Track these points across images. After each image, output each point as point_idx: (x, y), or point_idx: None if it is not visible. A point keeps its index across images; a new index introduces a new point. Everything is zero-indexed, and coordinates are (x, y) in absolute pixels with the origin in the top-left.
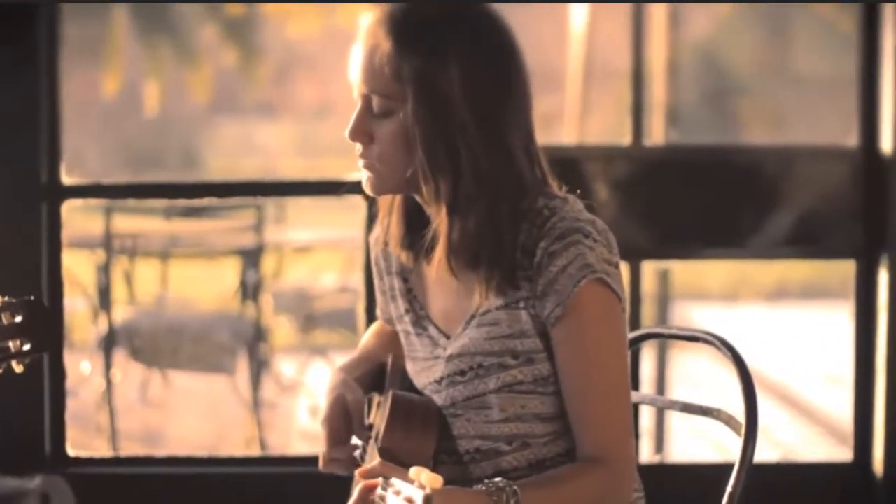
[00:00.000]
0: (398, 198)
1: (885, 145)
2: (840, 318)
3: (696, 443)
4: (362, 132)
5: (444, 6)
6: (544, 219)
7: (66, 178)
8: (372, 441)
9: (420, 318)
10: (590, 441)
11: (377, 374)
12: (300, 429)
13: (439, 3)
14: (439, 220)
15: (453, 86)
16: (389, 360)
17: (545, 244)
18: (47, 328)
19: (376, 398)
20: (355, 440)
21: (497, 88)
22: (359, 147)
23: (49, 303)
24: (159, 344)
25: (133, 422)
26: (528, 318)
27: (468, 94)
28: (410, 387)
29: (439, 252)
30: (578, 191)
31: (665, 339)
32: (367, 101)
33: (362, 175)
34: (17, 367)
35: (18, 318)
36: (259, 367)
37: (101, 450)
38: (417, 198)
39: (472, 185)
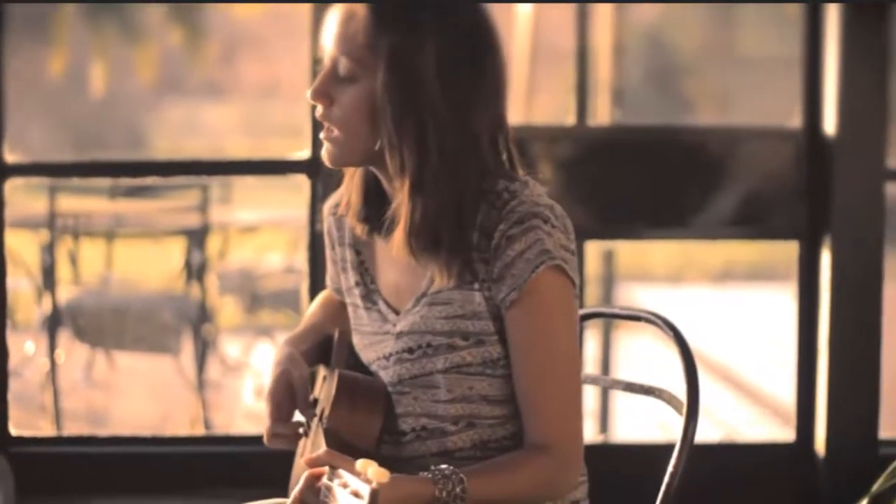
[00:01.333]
0: (359, 169)
1: (828, 127)
2: (784, 300)
3: (642, 423)
4: (325, 93)
5: None
6: (503, 202)
7: (9, 157)
8: (316, 419)
9: (370, 291)
10: (538, 427)
11: (323, 347)
12: (245, 409)
13: None
14: (401, 197)
15: (427, 63)
16: (336, 334)
17: (503, 227)
18: None
19: (322, 372)
20: (298, 416)
21: (470, 71)
22: (319, 110)
23: None
24: (104, 324)
25: (77, 402)
26: (482, 300)
27: (441, 73)
28: (357, 361)
29: (399, 232)
30: (540, 175)
31: (608, 318)
32: (334, 63)
33: (323, 148)
34: None
35: None
36: (204, 347)
37: (46, 430)
38: (379, 174)
39: (437, 164)
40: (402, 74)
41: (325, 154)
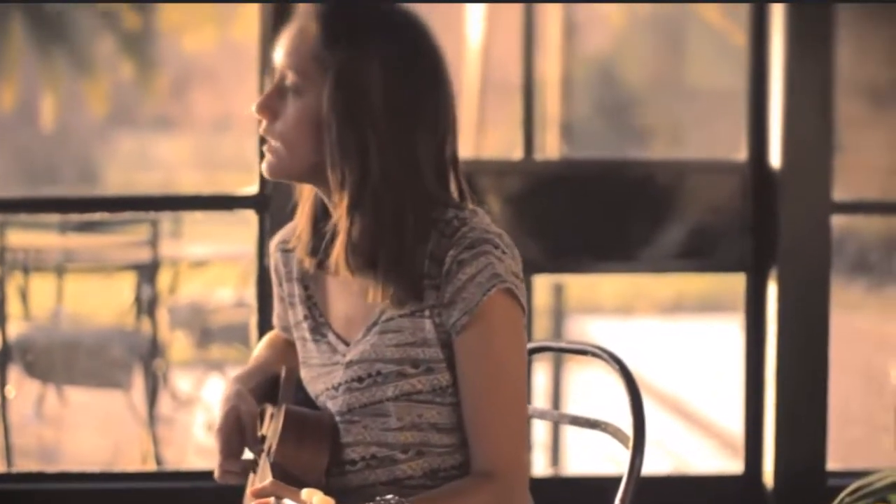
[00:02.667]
0: (308, 202)
1: (774, 159)
2: (734, 331)
3: (593, 455)
4: (269, 108)
5: (379, 3)
6: (454, 229)
7: None
8: (264, 454)
9: (319, 324)
10: (484, 453)
11: (271, 385)
12: (196, 444)
13: (374, 3)
14: (340, 212)
15: (374, 81)
16: (283, 371)
17: (454, 253)
18: None
19: (269, 409)
20: (248, 453)
21: (415, 95)
22: (263, 124)
23: None
24: (54, 359)
25: (28, 437)
26: (432, 327)
27: (386, 94)
28: (304, 398)
29: (338, 247)
30: (486, 207)
31: (555, 352)
32: (281, 77)
33: (263, 160)
34: None
35: None
36: (155, 382)
37: None
38: (321, 193)
39: (377, 182)
40: (347, 90)
41: (264, 166)
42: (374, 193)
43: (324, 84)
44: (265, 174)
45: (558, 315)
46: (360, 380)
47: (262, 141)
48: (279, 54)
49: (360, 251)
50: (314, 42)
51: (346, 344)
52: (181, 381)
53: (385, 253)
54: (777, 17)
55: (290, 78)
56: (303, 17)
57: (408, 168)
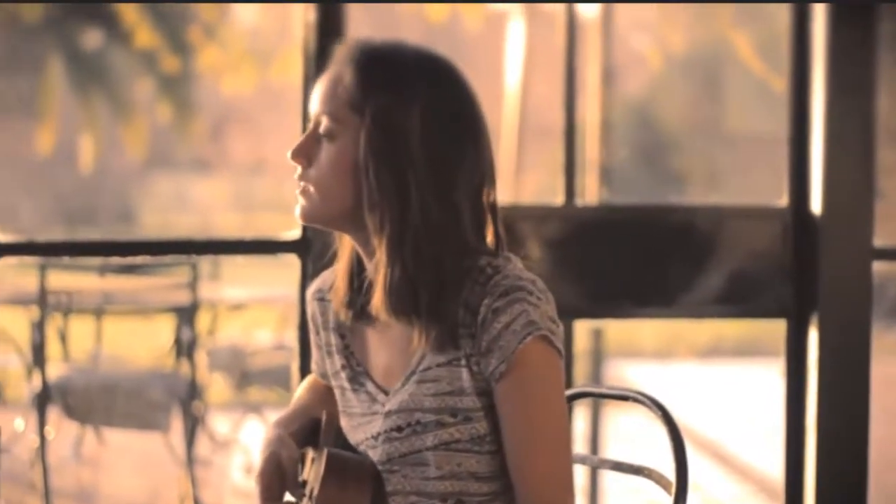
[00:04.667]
0: (346, 255)
1: (815, 205)
2: (772, 376)
3: (631, 501)
4: (304, 154)
5: (414, 50)
6: (487, 276)
7: (1, 236)
8: (305, 499)
9: (357, 374)
10: (530, 498)
11: (311, 430)
12: (234, 486)
13: (409, 46)
14: (379, 256)
15: (412, 125)
16: (324, 416)
17: (489, 301)
18: None
19: (310, 453)
20: (289, 497)
21: (453, 142)
22: (298, 171)
23: None
24: (93, 401)
25: (66, 479)
26: (469, 377)
27: (424, 138)
28: (345, 443)
29: (377, 290)
30: (523, 253)
31: (597, 398)
32: (316, 124)
33: (297, 205)
34: None
35: None
36: (193, 424)
37: None
38: (354, 241)
39: (417, 225)
40: (386, 132)
41: (298, 211)
42: (413, 236)
43: (359, 129)
44: (299, 219)
45: (597, 359)
46: (399, 429)
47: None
48: (314, 101)
49: (400, 294)
50: (350, 88)
51: (385, 393)
52: (219, 423)
53: (425, 296)
54: (818, 62)
55: (325, 124)
56: (338, 64)
57: (447, 212)
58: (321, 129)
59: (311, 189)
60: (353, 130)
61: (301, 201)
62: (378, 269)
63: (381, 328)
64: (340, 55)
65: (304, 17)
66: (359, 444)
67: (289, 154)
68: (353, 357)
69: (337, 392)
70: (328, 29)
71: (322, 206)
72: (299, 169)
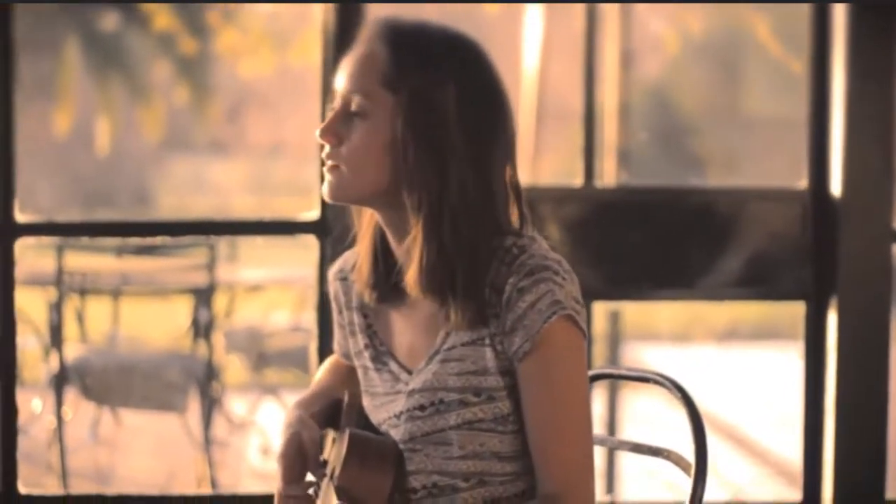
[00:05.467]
0: (368, 236)
1: (835, 188)
2: (790, 359)
3: (648, 483)
4: (334, 132)
5: (443, 29)
6: (513, 256)
7: (19, 216)
8: (327, 478)
9: (380, 353)
10: (551, 477)
11: (333, 410)
12: (251, 468)
13: (437, 25)
14: (415, 234)
15: (449, 105)
16: (345, 397)
17: (514, 280)
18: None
19: (331, 434)
20: (310, 477)
21: (488, 120)
22: (326, 149)
23: (1, 340)
24: (110, 382)
25: (84, 460)
26: (493, 356)
27: (461, 116)
28: (366, 423)
29: (413, 270)
30: (545, 234)
31: (616, 379)
32: (346, 102)
33: (325, 182)
34: None
35: None
36: (210, 405)
37: (52, 488)
38: (383, 223)
39: (455, 204)
40: (425, 110)
41: (326, 188)
42: (451, 215)
43: (395, 107)
44: (327, 197)
45: (614, 341)
46: (422, 408)
47: (324, 164)
48: (342, 79)
49: (436, 273)
50: (383, 66)
51: (409, 373)
52: (236, 404)
53: (461, 274)
54: (839, 46)
55: (356, 102)
56: (367, 42)
57: (483, 190)
58: (353, 107)
59: (343, 167)
60: (387, 108)
61: (330, 179)
62: (413, 247)
63: (404, 308)
64: (369, 33)
65: (324, 4)
66: (381, 423)
67: (317, 132)
68: (377, 336)
69: (359, 372)
70: (348, 12)
71: (355, 183)
72: (327, 147)
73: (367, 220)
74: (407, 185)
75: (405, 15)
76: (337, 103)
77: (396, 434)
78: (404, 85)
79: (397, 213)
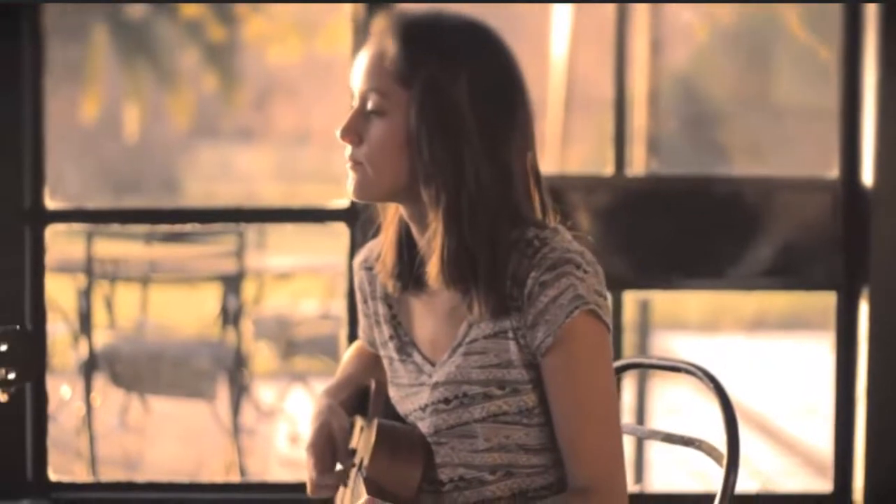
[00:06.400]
0: (392, 226)
1: (866, 178)
2: (818, 349)
3: (676, 472)
4: (354, 132)
5: (455, 18)
6: (535, 249)
7: (49, 203)
8: (355, 468)
9: (404, 344)
10: (581, 471)
11: (360, 398)
12: (279, 455)
13: (448, 14)
14: (435, 226)
15: (462, 93)
16: (373, 385)
17: (536, 274)
18: (33, 357)
19: (359, 422)
20: (339, 466)
21: (502, 106)
22: (348, 149)
23: (32, 328)
24: (139, 369)
25: (112, 447)
26: (516, 349)
27: (475, 105)
28: (394, 412)
29: (434, 261)
30: (570, 223)
31: (647, 369)
32: (363, 101)
33: (349, 180)
34: (2, 396)
35: (3, 347)
36: (239, 393)
37: (81, 475)
38: (406, 213)
39: (473, 195)
40: (437, 103)
41: (351, 187)
42: (469, 205)
43: (409, 102)
44: (353, 196)
45: (643, 330)
46: (446, 401)
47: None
48: (357, 77)
49: (458, 264)
50: (395, 62)
51: (432, 364)
52: (265, 392)
53: (482, 264)
54: (870, 33)
55: (373, 100)
56: (378, 37)
57: (500, 179)
58: (370, 106)
59: (364, 165)
60: (402, 104)
61: (353, 177)
62: (434, 240)
63: (427, 298)
64: (379, 28)
65: None
66: (407, 414)
67: (337, 133)
68: (401, 327)
69: (385, 362)
70: (379, 2)
71: (377, 181)
72: (349, 147)
73: (391, 210)
74: (424, 180)
75: (417, 6)
76: (355, 102)
77: (422, 427)
78: (416, 79)
79: (418, 207)
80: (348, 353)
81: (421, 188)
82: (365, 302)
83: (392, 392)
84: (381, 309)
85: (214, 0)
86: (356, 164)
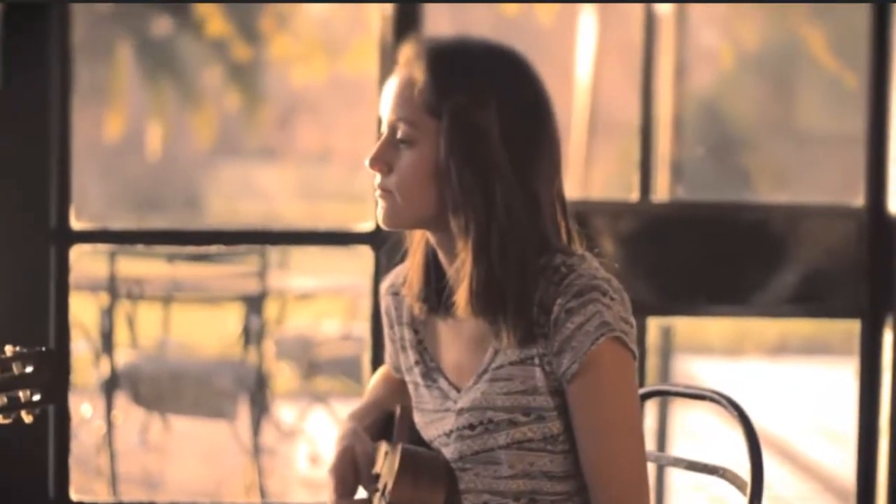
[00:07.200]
0: (419, 250)
1: (892, 206)
2: (840, 375)
3: (697, 497)
4: (383, 161)
5: (482, 45)
6: (561, 276)
7: (75, 224)
8: (378, 494)
9: (430, 370)
10: (605, 498)
11: (385, 423)
12: (300, 476)
13: (476, 42)
14: (464, 257)
15: (491, 122)
16: (398, 410)
17: (562, 301)
18: (57, 379)
19: (383, 447)
20: (362, 491)
21: (531, 134)
22: (377, 177)
23: (56, 347)
24: (161, 388)
25: (133, 465)
26: (542, 376)
27: (504, 133)
28: (418, 437)
29: (463, 291)
30: (596, 249)
31: (671, 396)
32: (392, 130)
33: (378, 208)
34: (27, 418)
35: (29, 369)
36: (260, 413)
37: (101, 494)
38: (434, 240)
39: (503, 222)
40: (466, 133)
41: (381, 216)
42: (499, 236)
43: (438, 131)
44: (382, 224)
45: (666, 355)
46: (471, 427)
47: (376, 191)
48: (386, 106)
49: (486, 294)
50: (423, 91)
51: (458, 390)
52: (286, 412)
53: (511, 294)
54: None
55: (402, 130)
56: (406, 66)
57: (529, 208)
58: (399, 136)
59: (394, 194)
60: (432, 134)
61: (383, 206)
62: (462, 269)
63: (454, 324)
64: (407, 57)
65: (381, 11)
66: (432, 440)
67: (366, 162)
68: (427, 352)
69: (410, 388)
70: (405, 23)
71: (406, 210)
72: (378, 176)
73: (418, 233)
74: (453, 211)
75: (454, 32)
76: (384, 130)
77: (447, 452)
78: (445, 109)
79: (447, 235)
80: (374, 378)
81: (450, 218)
82: (391, 327)
83: (417, 417)
84: (407, 334)
85: (241, 0)
86: (385, 192)
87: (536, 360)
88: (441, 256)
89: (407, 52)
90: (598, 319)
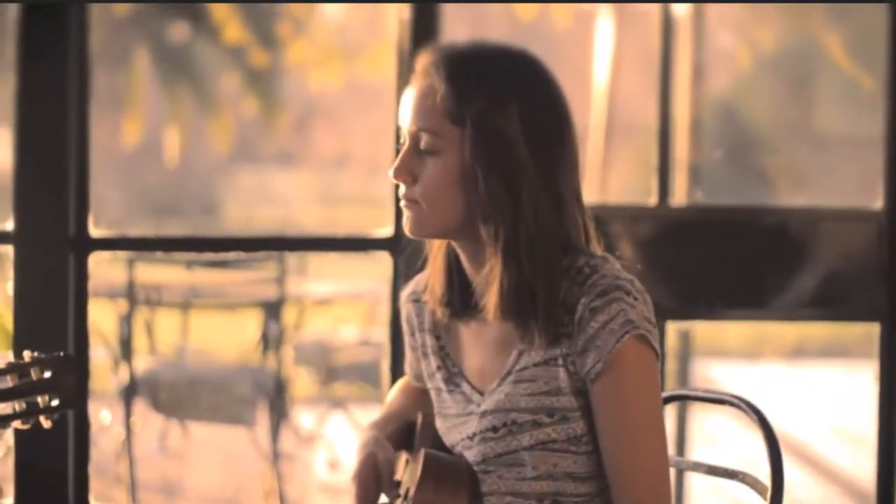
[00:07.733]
0: (440, 255)
1: None
2: (859, 377)
3: (714, 500)
4: (407, 171)
5: (498, 49)
6: (585, 276)
7: (93, 230)
8: (401, 499)
9: (452, 374)
10: (628, 497)
11: (406, 432)
12: (318, 481)
13: (491, 46)
14: (493, 262)
15: (513, 126)
16: (419, 418)
17: (586, 300)
18: (76, 385)
19: (405, 456)
20: (384, 498)
21: (553, 136)
22: (402, 188)
23: (75, 354)
24: (179, 394)
25: (152, 472)
26: (566, 376)
27: (528, 137)
28: (440, 445)
29: (493, 297)
30: (617, 253)
31: (691, 401)
32: (415, 140)
33: (404, 217)
34: (45, 423)
35: (48, 374)
36: (279, 418)
37: (120, 500)
38: (459, 247)
39: (531, 228)
40: (490, 139)
41: (407, 225)
42: (527, 238)
43: (462, 138)
44: (408, 233)
45: (684, 359)
46: (494, 429)
47: (400, 201)
48: (406, 116)
49: (517, 298)
50: (444, 100)
51: (481, 394)
52: (304, 418)
53: (541, 297)
54: None
55: (425, 139)
56: (424, 75)
57: (556, 210)
58: (422, 146)
59: (420, 203)
60: (455, 142)
61: (409, 215)
62: (492, 275)
63: (476, 327)
64: (424, 65)
65: (398, 16)
66: (454, 444)
67: (391, 172)
68: (449, 358)
69: (432, 393)
70: (423, 27)
71: (433, 219)
72: (402, 186)
73: (438, 239)
74: (482, 216)
75: (470, 36)
76: (406, 141)
77: (470, 455)
78: (467, 116)
79: (473, 242)
80: (394, 389)
81: (479, 224)
82: (412, 335)
83: (439, 423)
84: (429, 341)
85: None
86: (411, 202)
87: (560, 361)
88: (464, 261)
89: (424, 60)
90: (623, 318)
